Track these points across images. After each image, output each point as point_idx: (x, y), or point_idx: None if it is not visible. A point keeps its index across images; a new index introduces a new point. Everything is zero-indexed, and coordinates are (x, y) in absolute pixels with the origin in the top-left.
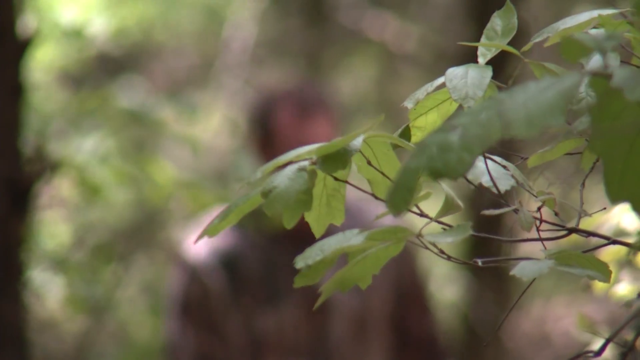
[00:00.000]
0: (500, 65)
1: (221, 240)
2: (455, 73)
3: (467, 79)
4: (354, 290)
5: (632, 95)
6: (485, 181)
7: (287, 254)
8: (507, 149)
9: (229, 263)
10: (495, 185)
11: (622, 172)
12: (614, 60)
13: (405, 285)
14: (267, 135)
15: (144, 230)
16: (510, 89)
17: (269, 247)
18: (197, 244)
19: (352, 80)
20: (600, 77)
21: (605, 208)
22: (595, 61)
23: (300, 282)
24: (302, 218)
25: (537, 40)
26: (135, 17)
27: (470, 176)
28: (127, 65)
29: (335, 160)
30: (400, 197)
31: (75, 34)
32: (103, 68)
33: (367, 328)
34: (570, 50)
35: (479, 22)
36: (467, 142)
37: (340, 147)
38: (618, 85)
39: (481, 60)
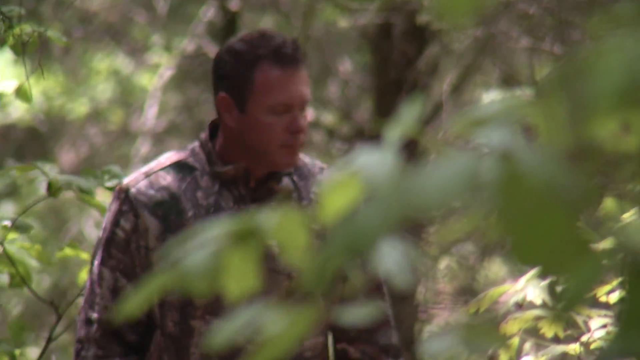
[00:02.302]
0: (409, 146)
1: (165, 180)
2: (360, 158)
3: (372, 164)
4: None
5: (535, 178)
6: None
7: (235, 200)
8: (418, 228)
9: (166, 209)
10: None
11: (528, 237)
12: (517, 138)
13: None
14: (244, 92)
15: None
16: (414, 169)
17: (216, 190)
18: (141, 182)
19: None
20: (503, 156)
21: (508, 281)
22: (497, 139)
23: (209, 348)
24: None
25: (446, 130)
26: (53, 89)
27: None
28: (45, 136)
29: (246, 240)
30: (317, 280)
31: None
32: (19, 140)
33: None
34: (469, 125)
35: (390, 98)
36: (372, 223)
37: (250, 226)
38: (521, 166)
39: (388, 144)
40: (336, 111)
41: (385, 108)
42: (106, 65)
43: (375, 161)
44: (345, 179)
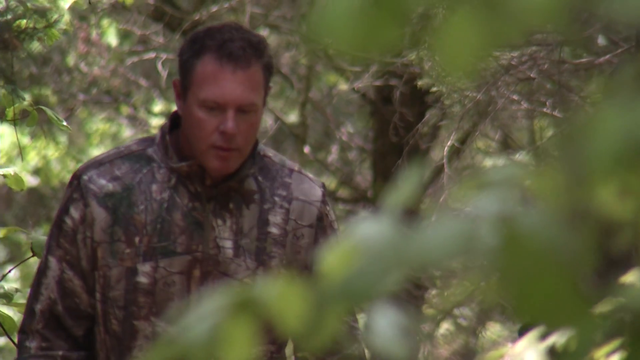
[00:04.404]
0: (409, 214)
1: (120, 170)
2: (358, 228)
3: (372, 230)
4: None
5: (535, 239)
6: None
7: (191, 197)
8: (419, 291)
9: (117, 201)
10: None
11: (529, 296)
12: (517, 201)
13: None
14: (186, 81)
15: None
16: (414, 231)
17: (172, 185)
18: (94, 170)
19: None
20: (503, 218)
21: (509, 343)
22: (498, 202)
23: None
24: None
25: (448, 194)
26: (52, 154)
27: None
28: (47, 199)
29: (245, 312)
30: (319, 340)
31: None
32: (20, 204)
33: None
34: (470, 189)
35: (390, 162)
36: (370, 277)
37: (249, 297)
38: (521, 227)
39: (388, 211)
40: (337, 174)
41: (385, 171)
42: (106, 127)
43: (375, 227)
44: (346, 247)
